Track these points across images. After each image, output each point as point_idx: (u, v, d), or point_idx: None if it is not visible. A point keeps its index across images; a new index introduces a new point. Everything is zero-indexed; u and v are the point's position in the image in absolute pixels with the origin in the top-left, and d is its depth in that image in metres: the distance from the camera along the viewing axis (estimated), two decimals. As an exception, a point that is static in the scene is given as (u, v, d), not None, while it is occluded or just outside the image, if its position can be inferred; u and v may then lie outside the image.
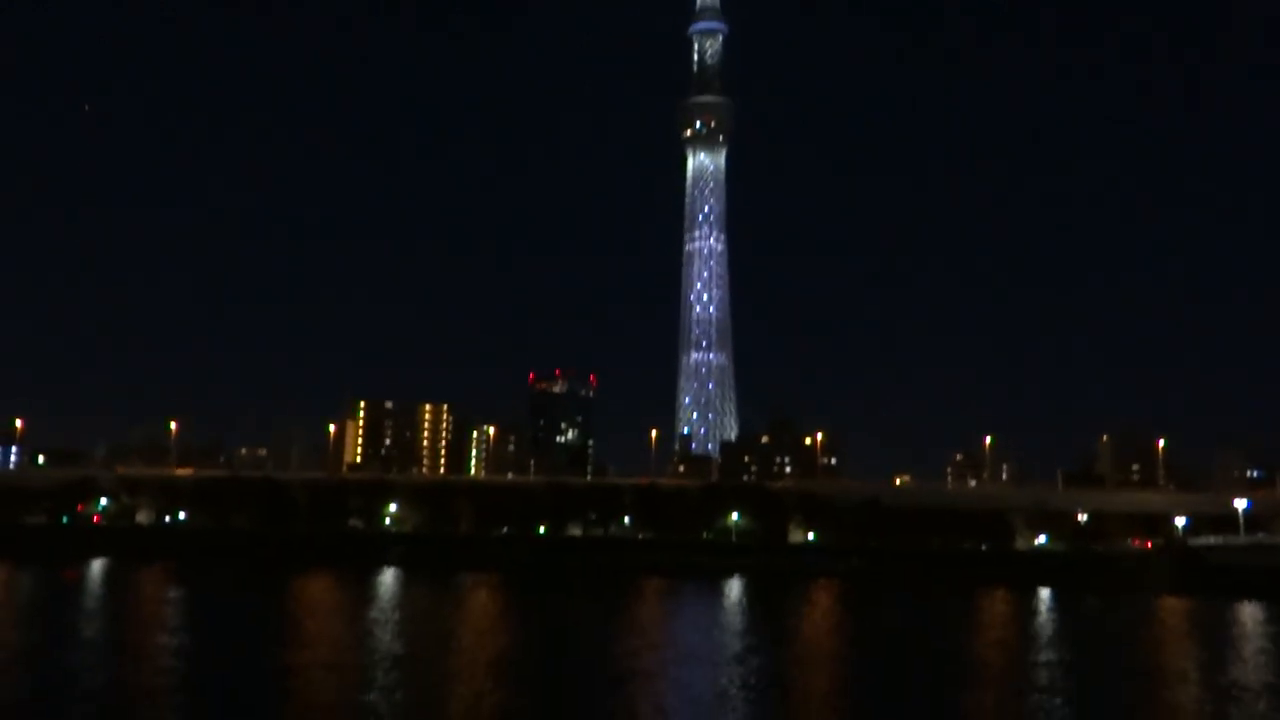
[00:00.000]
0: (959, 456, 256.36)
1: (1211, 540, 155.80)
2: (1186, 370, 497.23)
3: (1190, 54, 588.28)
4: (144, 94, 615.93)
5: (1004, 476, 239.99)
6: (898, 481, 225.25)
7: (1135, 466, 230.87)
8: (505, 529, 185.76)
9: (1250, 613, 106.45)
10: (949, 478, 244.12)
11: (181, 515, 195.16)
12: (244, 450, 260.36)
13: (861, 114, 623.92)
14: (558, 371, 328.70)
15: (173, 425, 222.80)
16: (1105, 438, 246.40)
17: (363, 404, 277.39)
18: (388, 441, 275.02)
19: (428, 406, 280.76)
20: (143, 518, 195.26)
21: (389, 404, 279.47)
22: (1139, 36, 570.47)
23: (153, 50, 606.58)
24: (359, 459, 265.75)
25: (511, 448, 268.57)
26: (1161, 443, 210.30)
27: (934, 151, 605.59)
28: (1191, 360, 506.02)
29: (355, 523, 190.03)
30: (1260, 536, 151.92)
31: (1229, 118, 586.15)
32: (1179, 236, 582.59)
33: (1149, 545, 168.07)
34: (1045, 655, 67.75)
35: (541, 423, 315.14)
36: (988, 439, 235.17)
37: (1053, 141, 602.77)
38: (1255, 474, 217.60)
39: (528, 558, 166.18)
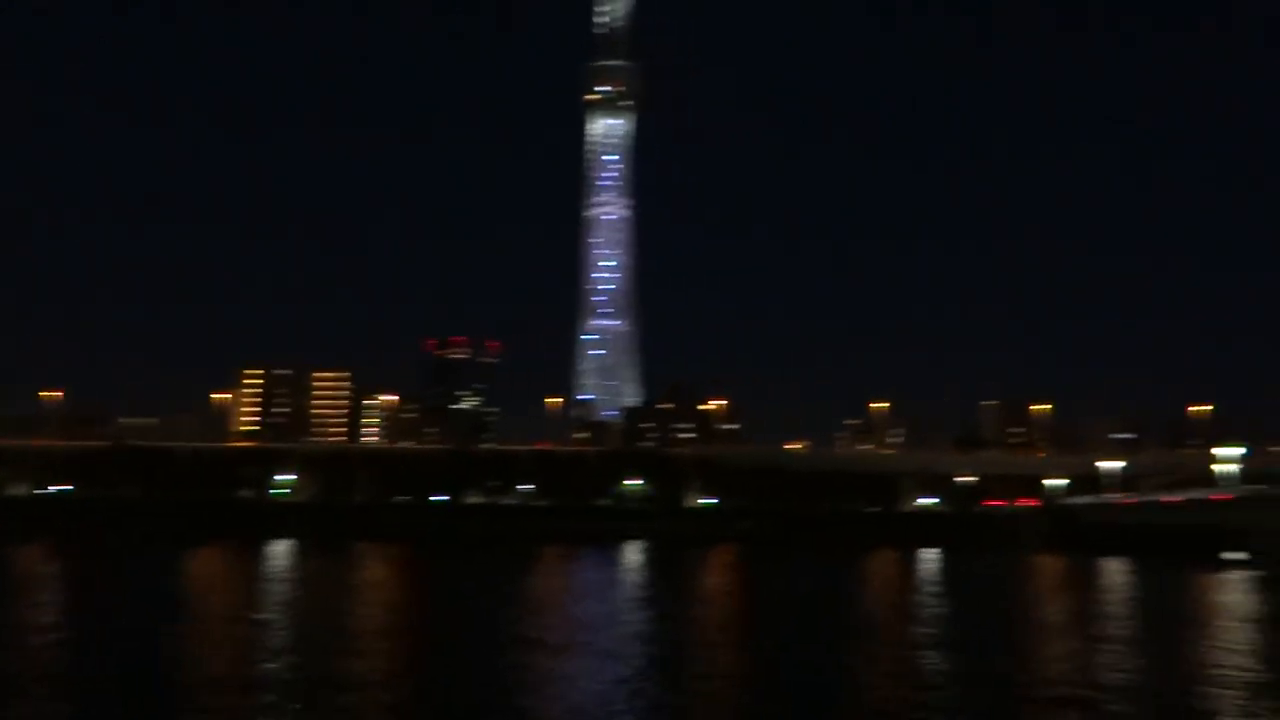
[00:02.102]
0: (854, 422, 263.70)
1: (1084, 500, 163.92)
2: (1065, 340, 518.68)
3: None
4: None
5: (897, 441, 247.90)
6: (795, 447, 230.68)
7: (1017, 430, 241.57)
8: (404, 498, 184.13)
9: (1115, 567, 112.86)
10: (843, 442, 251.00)
11: (66, 487, 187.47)
12: (131, 420, 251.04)
13: (772, 79, 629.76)
14: (457, 339, 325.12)
15: (51, 395, 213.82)
16: (990, 404, 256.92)
17: (255, 372, 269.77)
18: (286, 410, 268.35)
19: (323, 374, 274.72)
20: (19, 489, 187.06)
21: (282, 371, 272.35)
22: None
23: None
24: (253, 428, 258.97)
25: (411, 416, 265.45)
26: (1041, 408, 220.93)
27: (840, 117, 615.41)
28: (1070, 330, 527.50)
29: (247, 492, 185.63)
30: (1128, 495, 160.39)
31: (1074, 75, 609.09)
32: (1057, 210, 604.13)
33: (1028, 504, 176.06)
34: (926, 611, 70.86)
35: (441, 390, 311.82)
36: (881, 405, 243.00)
37: (932, 109, 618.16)
38: (1126, 437, 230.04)
39: (426, 527, 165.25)
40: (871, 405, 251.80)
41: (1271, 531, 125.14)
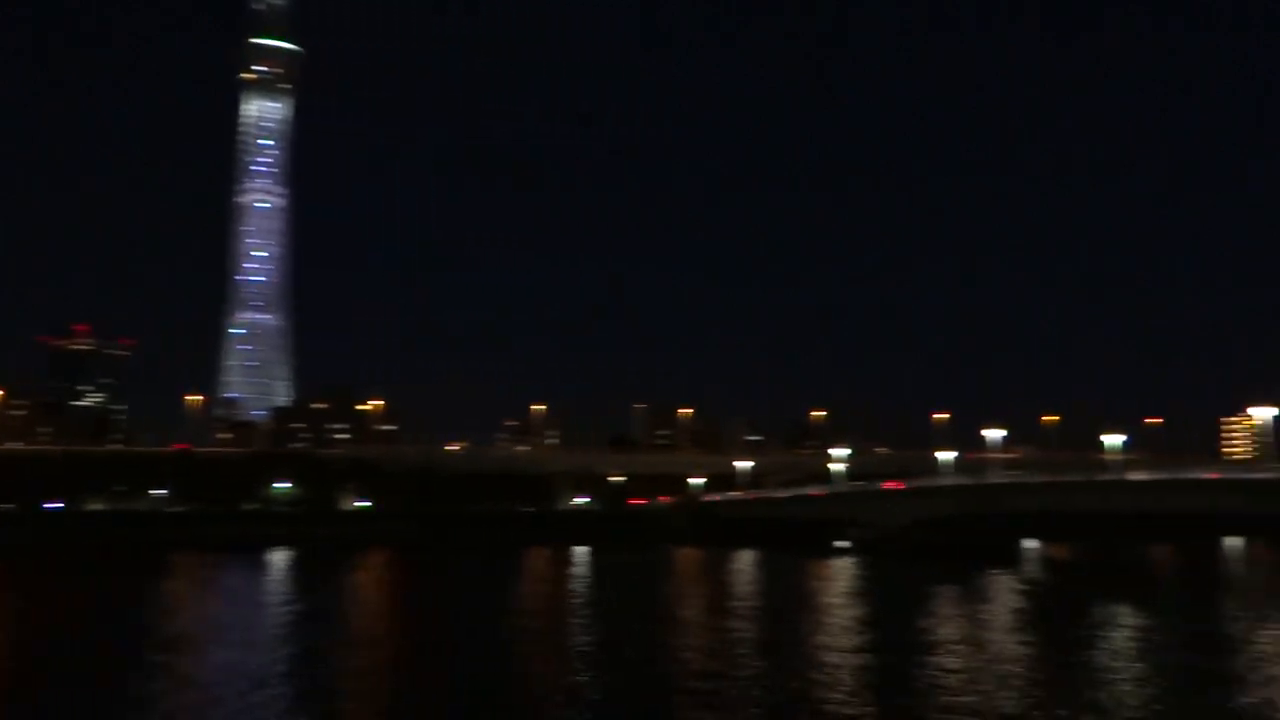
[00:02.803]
0: (513, 423, 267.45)
1: (721, 496, 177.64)
2: (710, 349, 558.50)
3: None
4: None
5: (553, 443, 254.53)
6: (454, 448, 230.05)
7: (664, 432, 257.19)
8: (7, 506, 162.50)
9: (746, 557, 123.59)
10: (502, 444, 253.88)
11: None
12: None
13: (437, 68, 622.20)
14: (80, 327, 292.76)
15: None
16: (640, 407, 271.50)
17: None
18: None
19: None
20: None
21: None
22: None
23: None
24: None
25: (20, 413, 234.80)
26: (686, 412, 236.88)
27: (509, 111, 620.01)
28: (715, 341, 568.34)
29: None
30: (757, 492, 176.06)
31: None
32: (691, 227, 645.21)
33: (673, 501, 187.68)
34: (576, 600, 73.94)
35: (59, 386, 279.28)
36: (539, 407, 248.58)
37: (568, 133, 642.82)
38: (755, 438, 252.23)
39: (33, 537, 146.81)
40: (531, 407, 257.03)
41: (870, 522, 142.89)
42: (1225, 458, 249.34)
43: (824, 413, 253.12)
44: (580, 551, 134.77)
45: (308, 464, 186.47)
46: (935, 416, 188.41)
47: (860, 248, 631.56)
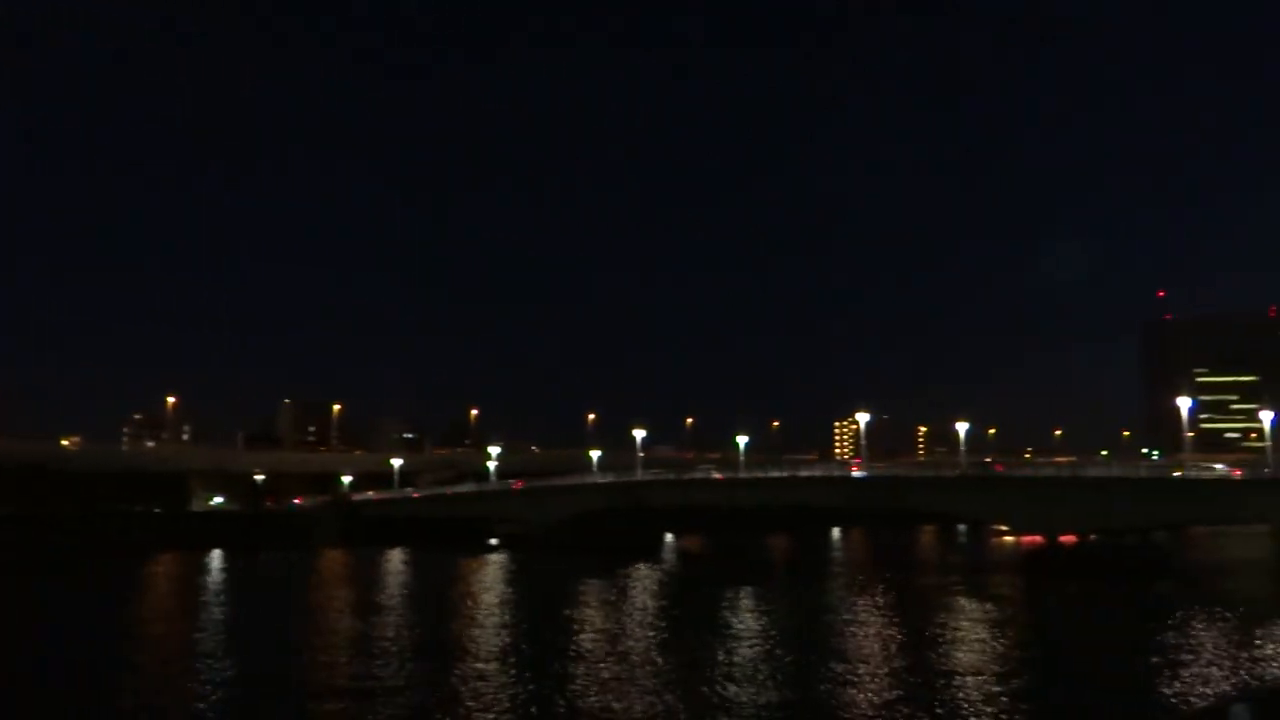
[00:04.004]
0: (139, 417, 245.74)
1: (370, 495, 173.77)
2: (359, 348, 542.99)
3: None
4: None
5: (188, 439, 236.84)
6: (66, 442, 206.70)
7: (313, 429, 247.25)
8: None
9: (397, 557, 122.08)
10: (130, 439, 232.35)
11: None
12: None
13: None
14: None
15: None
16: (288, 402, 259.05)
17: None
18: None
19: None
20: None
21: None
22: None
23: None
24: None
25: None
26: (336, 408, 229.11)
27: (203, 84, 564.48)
28: (361, 340, 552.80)
29: None
30: (409, 490, 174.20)
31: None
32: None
33: (321, 501, 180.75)
34: (204, 611, 69.71)
35: None
36: (172, 400, 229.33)
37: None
38: (409, 436, 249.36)
39: None
40: (167, 400, 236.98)
41: (523, 519, 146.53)
42: (834, 457, 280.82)
43: (475, 411, 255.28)
44: (216, 555, 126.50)
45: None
46: (588, 417, 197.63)
47: (523, 253, 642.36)
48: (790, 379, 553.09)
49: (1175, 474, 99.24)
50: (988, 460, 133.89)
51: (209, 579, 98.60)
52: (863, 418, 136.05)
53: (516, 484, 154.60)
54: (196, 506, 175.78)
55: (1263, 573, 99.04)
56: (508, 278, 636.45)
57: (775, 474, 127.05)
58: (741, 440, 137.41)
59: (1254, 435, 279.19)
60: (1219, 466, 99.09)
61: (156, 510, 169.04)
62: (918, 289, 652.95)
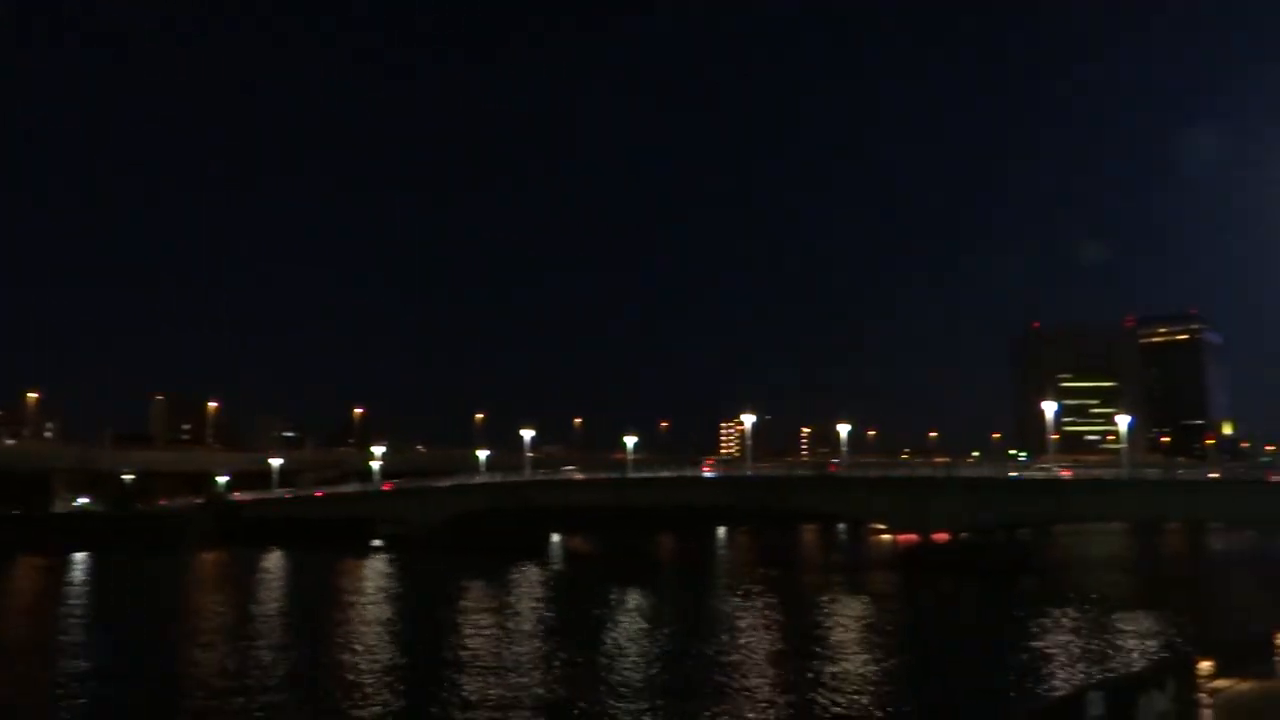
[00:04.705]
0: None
1: (248, 495, 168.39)
2: (233, 341, 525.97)
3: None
4: None
5: (50, 437, 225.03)
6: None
7: (187, 426, 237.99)
8: None
9: (274, 559, 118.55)
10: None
11: None
12: None
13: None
14: None
15: None
16: (159, 399, 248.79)
17: None
18: None
19: None
20: None
21: None
22: None
23: None
24: None
25: None
26: (212, 405, 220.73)
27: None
28: (242, 333, 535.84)
29: None
30: (288, 491, 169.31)
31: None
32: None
33: (194, 501, 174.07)
34: (70, 620, 66.60)
35: None
36: (33, 396, 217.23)
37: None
38: (291, 435, 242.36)
39: None
40: (26, 396, 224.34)
41: (407, 519, 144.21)
42: (721, 457, 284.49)
43: (360, 410, 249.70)
44: (80, 558, 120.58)
45: None
46: (476, 416, 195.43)
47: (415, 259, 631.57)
48: (679, 382, 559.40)
49: (1012, 474, 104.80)
50: (827, 462, 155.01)
51: (70, 583, 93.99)
52: (748, 419, 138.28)
53: (386, 485, 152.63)
54: (60, 508, 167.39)
55: (1117, 568, 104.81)
56: (416, 276, 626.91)
57: (664, 474, 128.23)
58: (630, 441, 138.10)
59: (1111, 437, 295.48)
60: (1049, 467, 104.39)
61: (15, 512, 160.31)
62: (811, 301, 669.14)
